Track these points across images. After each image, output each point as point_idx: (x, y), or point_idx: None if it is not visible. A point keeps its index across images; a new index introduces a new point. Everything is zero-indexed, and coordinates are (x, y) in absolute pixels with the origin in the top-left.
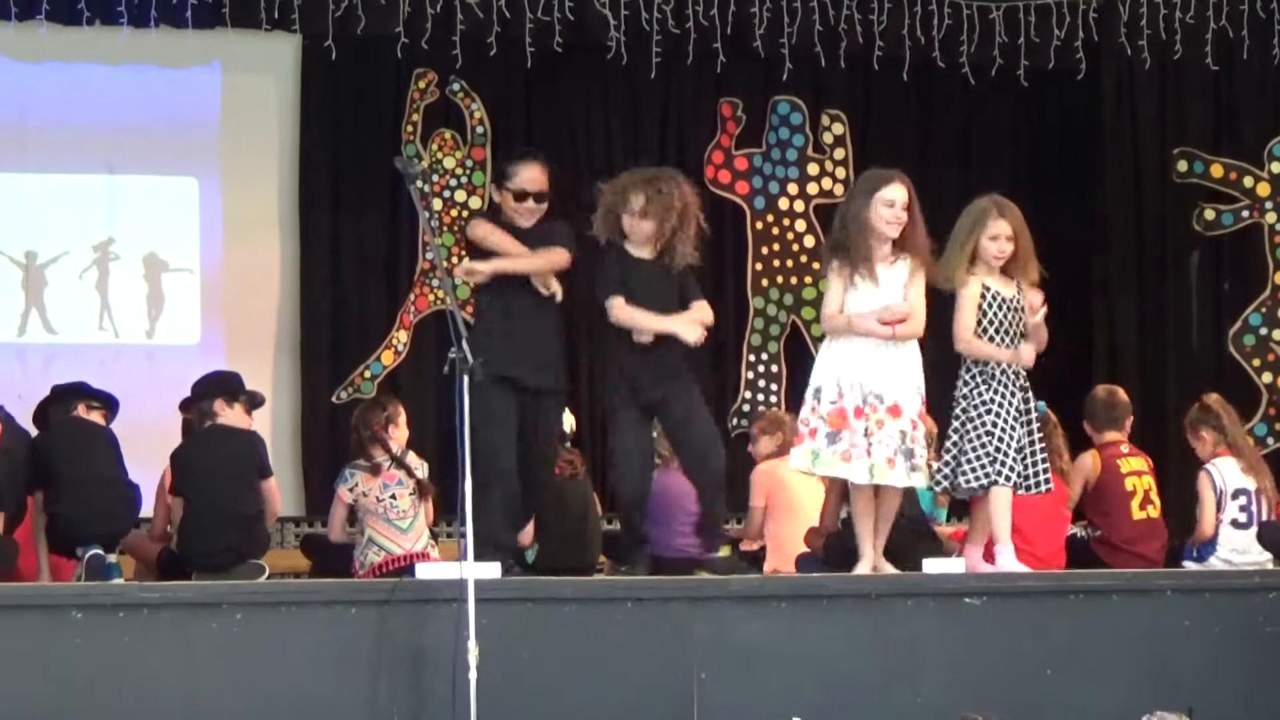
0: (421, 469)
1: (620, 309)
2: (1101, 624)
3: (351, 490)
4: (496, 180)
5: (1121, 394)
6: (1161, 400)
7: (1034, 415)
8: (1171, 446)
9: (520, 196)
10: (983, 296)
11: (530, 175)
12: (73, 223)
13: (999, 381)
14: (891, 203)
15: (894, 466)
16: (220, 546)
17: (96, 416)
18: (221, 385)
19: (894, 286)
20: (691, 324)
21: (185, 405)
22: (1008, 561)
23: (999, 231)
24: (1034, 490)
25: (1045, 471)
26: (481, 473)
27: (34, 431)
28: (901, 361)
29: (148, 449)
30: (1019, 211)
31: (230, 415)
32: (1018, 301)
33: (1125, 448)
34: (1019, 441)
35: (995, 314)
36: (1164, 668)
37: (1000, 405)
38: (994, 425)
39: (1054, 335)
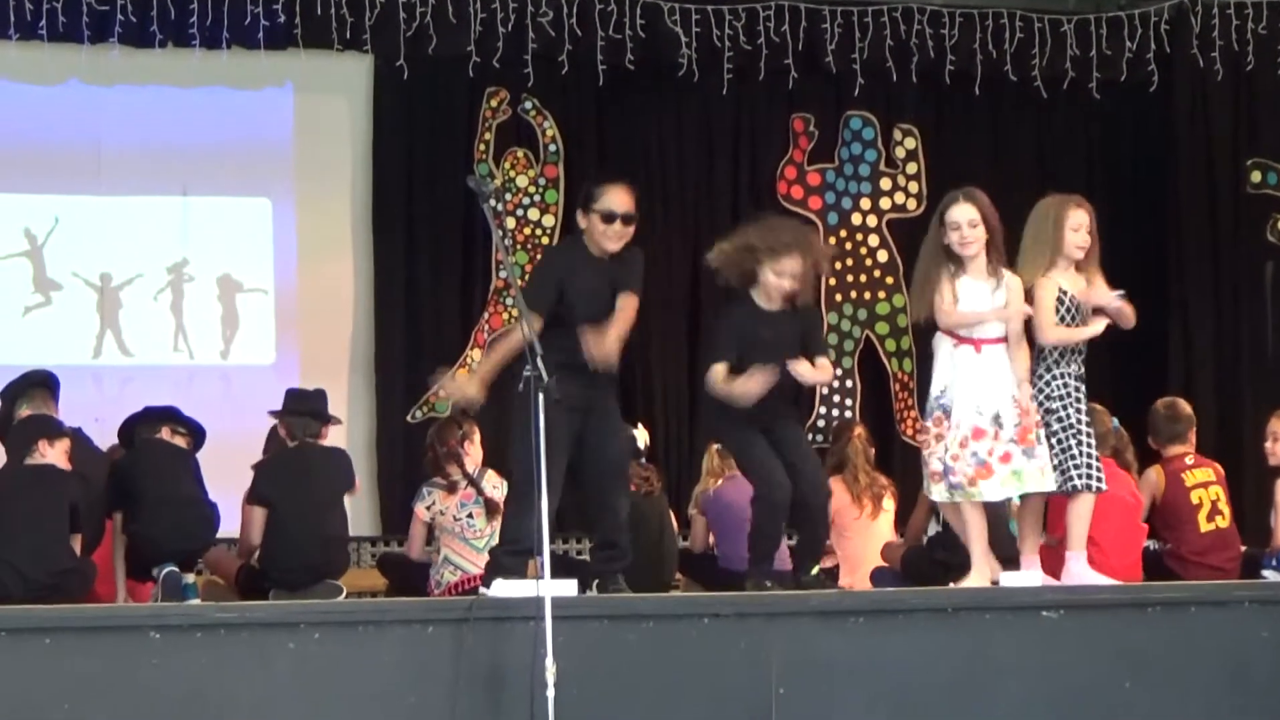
0: (501, 489)
1: (719, 382)
2: (1179, 636)
3: (429, 509)
4: (583, 204)
5: (1183, 406)
6: (1238, 411)
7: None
8: (1248, 457)
9: (608, 218)
10: (1059, 300)
11: (619, 197)
12: (147, 245)
13: (1069, 389)
14: (957, 224)
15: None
16: (303, 564)
17: (180, 441)
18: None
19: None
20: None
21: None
22: (1080, 569)
23: (1080, 223)
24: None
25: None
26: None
27: (116, 450)
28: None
29: (224, 469)
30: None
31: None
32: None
33: (1190, 459)
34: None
35: (1068, 312)
36: (1242, 680)
37: (1073, 410)
38: (1074, 428)
39: (1129, 347)
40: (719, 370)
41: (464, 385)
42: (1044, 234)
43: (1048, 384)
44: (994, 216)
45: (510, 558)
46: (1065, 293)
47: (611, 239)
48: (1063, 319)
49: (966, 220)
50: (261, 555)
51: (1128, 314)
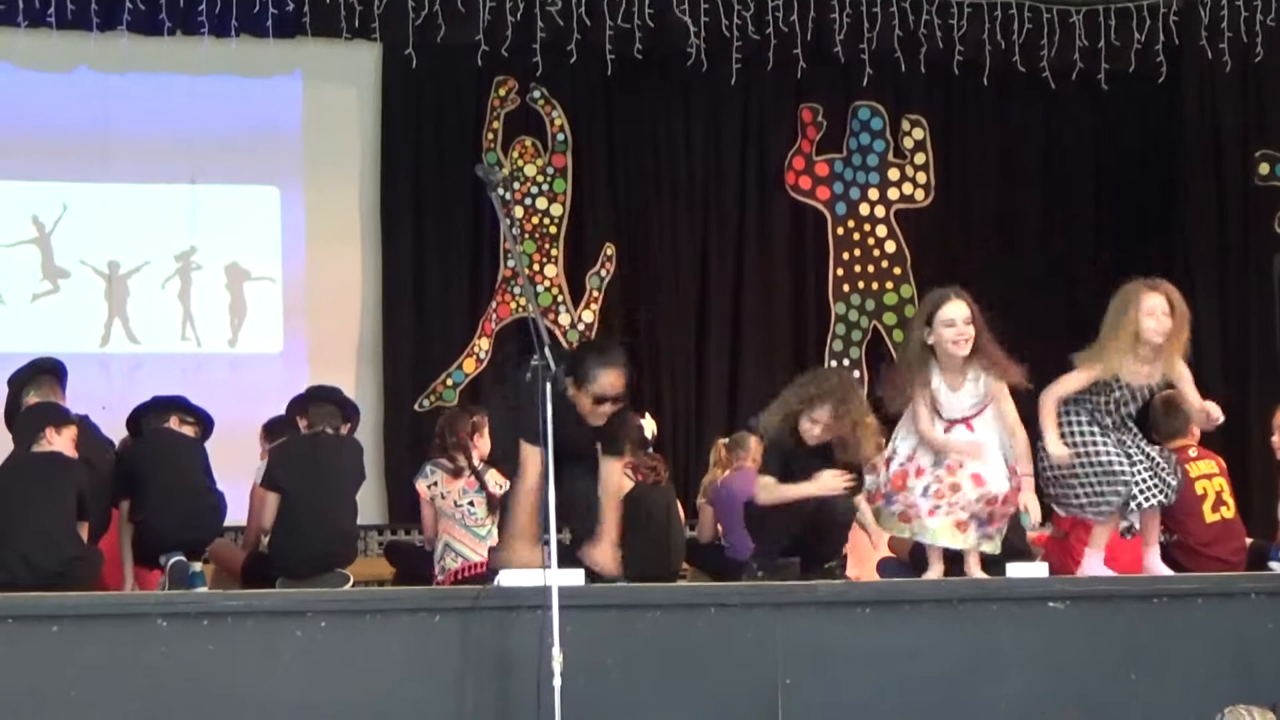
0: (504, 487)
1: (769, 491)
2: (1185, 628)
3: (430, 488)
4: (577, 380)
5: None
6: (1245, 404)
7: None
8: (1255, 448)
9: (599, 401)
10: (1111, 386)
11: (611, 381)
12: (155, 233)
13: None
14: (951, 322)
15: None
16: (312, 555)
17: (189, 431)
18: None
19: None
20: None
21: (294, 409)
22: (1094, 566)
23: (1154, 306)
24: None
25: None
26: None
27: (123, 440)
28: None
29: (231, 458)
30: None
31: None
32: (1146, 391)
33: (1194, 451)
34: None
35: (1119, 399)
36: (1248, 671)
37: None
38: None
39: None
40: (768, 481)
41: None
42: (1114, 322)
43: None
44: (979, 315)
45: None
46: (1119, 381)
47: (599, 418)
48: (1115, 406)
49: (962, 318)
50: (271, 542)
51: (1214, 416)
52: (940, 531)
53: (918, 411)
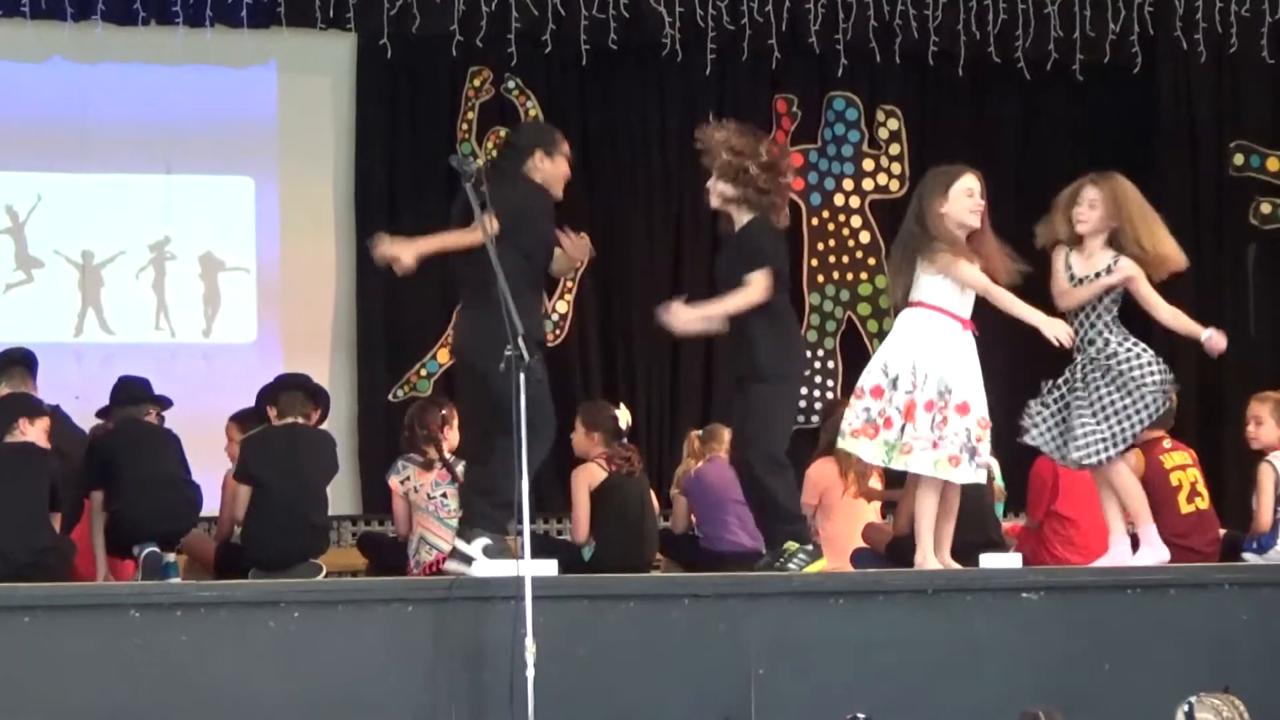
0: None
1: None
2: (1159, 619)
3: (403, 483)
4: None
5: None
6: (1219, 394)
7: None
8: (1229, 439)
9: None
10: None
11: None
12: (129, 222)
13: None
14: (971, 192)
15: (958, 465)
16: (284, 548)
17: (153, 418)
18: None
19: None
20: None
21: (263, 399)
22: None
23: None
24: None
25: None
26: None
27: (95, 428)
28: (972, 359)
29: (205, 448)
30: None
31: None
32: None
33: (1168, 443)
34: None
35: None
36: (1222, 662)
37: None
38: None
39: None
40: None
41: (400, 249)
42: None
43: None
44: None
45: (497, 510)
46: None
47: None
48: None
49: (979, 190)
50: (244, 534)
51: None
52: (940, 464)
53: (963, 275)
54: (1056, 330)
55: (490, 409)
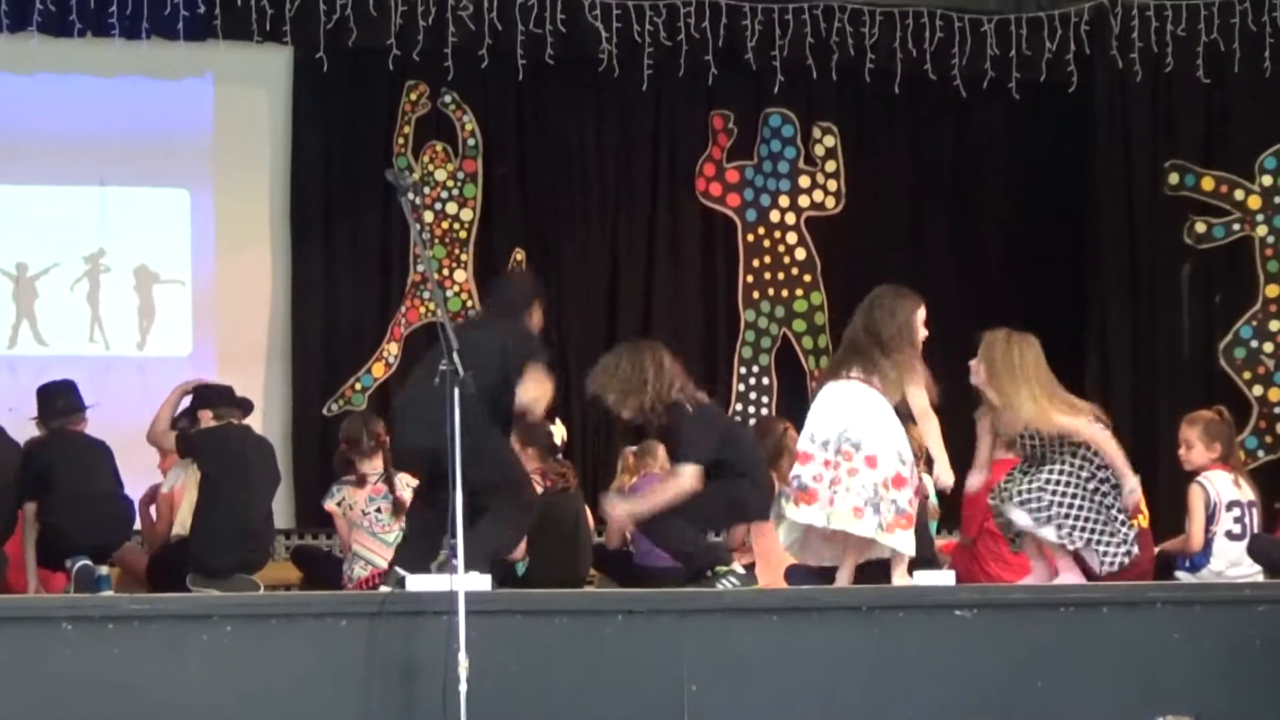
0: (411, 489)
1: None
2: (1092, 637)
3: (339, 504)
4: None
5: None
6: (1153, 412)
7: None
8: (1164, 459)
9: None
10: None
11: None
12: (64, 234)
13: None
14: (925, 321)
15: (861, 516)
16: (232, 553)
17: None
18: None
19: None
20: None
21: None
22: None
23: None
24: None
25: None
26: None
27: (30, 440)
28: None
29: (138, 461)
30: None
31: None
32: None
33: None
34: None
35: None
36: (1154, 680)
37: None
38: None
39: (1047, 348)
40: None
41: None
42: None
43: None
44: None
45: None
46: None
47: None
48: None
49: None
50: (193, 533)
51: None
52: (839, 516)
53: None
54: (941, 475)
55: None
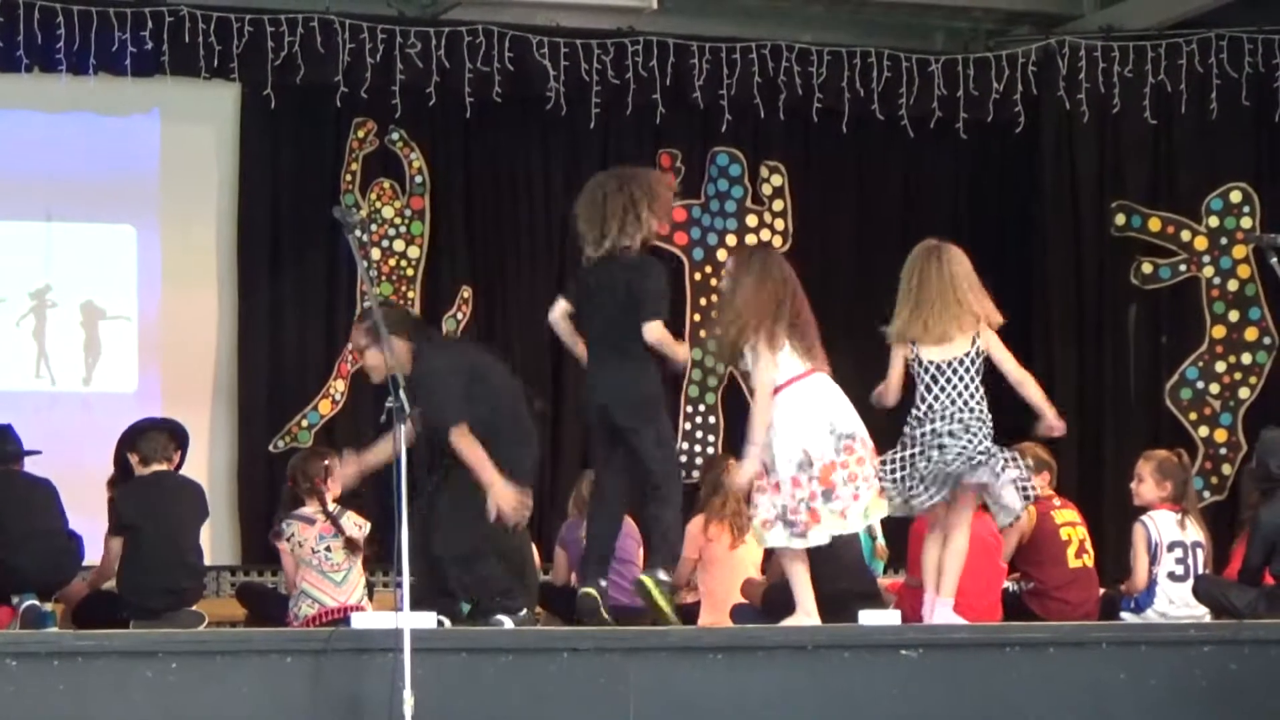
0: (363, 529)
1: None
2: (1038, 677)
3: (289, 540)
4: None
5: (1034, 450)
6: (1099, 452)
7: None
8: (1109, 499)
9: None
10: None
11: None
12: (10, 270)
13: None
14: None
15: (769, 528)
16: (163, 589)
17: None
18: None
19: None
20: None
21: (124, 446)
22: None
23: None
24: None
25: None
26: None
27: None
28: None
29: (84, 497)
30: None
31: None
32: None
33: (1057, 500)
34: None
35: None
36: None
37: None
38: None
39: (993, 387)
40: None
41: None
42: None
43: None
44: None
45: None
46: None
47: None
48: None
49: None
50: (120, 581)
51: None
52: (874, 507)
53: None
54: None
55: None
